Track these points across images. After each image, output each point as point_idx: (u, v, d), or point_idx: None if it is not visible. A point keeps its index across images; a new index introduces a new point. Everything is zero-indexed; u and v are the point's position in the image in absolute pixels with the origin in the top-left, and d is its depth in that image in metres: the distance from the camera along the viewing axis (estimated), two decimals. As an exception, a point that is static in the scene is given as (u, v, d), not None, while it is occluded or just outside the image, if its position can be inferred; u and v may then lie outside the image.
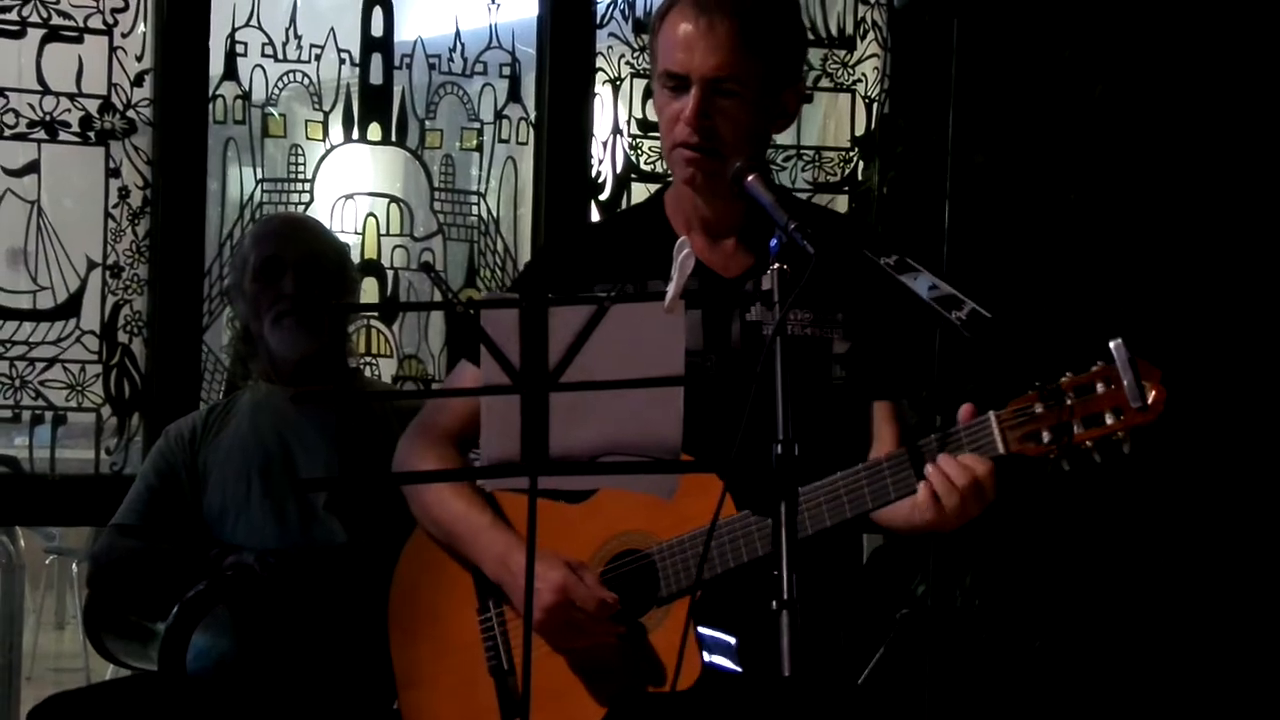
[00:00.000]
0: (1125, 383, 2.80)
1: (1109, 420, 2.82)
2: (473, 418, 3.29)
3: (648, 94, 4.90)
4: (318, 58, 4.79)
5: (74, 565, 8.45)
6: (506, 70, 4.98)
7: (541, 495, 3.04)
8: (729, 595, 3.04)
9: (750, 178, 2.93)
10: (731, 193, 3.01)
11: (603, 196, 4.98)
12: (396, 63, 4.87)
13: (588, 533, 3.12)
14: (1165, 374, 2.82)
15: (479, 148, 4.98)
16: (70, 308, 4.58)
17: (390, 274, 4.89)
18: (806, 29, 3.36)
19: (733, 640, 3.05)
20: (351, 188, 4.88)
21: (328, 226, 4.71)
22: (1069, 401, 2.84)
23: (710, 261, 3.14)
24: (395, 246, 4.90)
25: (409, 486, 3.34)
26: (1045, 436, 2.85)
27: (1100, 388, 2.83)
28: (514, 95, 4.99)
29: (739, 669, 3.04)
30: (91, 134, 4.57)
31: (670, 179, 3.24)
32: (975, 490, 2.88)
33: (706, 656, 3.04)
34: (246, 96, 4.74)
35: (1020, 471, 2.91)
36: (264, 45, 4.74)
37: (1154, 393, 2.80)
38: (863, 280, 3.08)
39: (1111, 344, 2.81)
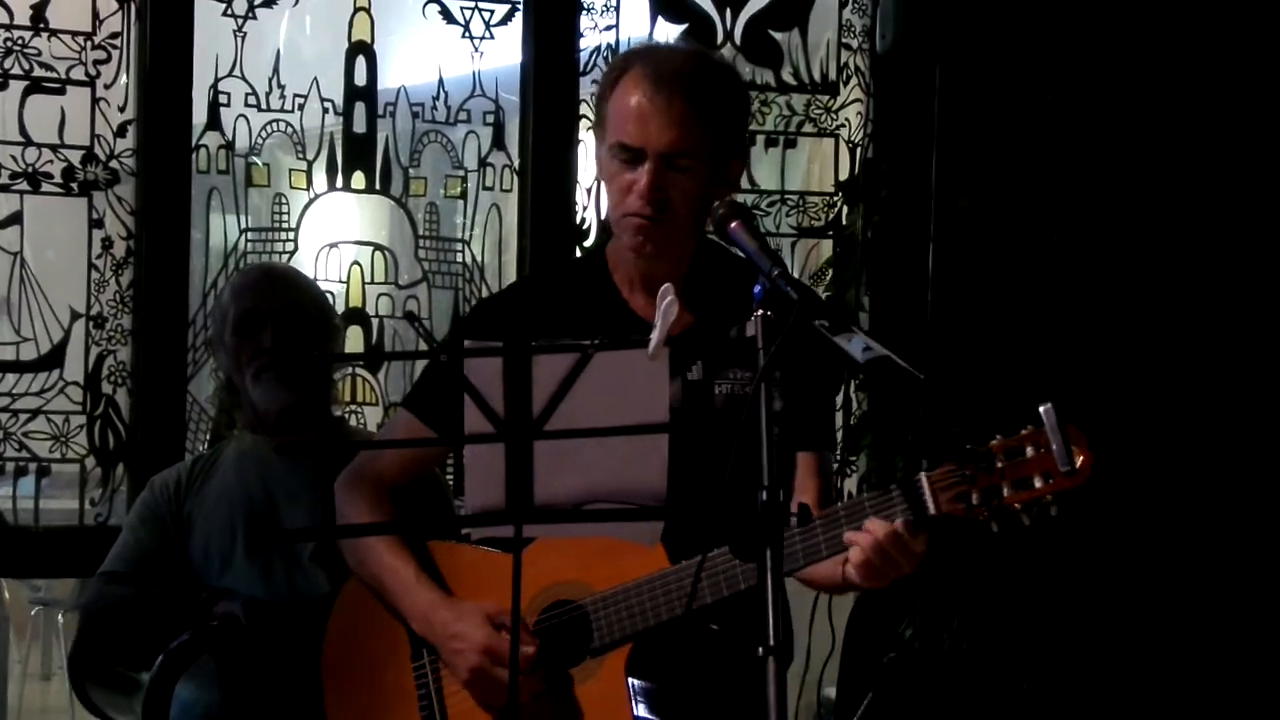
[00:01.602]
0: (1054, 447, 2.82)
1: (1038, 484, 2.85)
2: (408, 466, 3.35)
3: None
4: (301, 107, 4.79)
5: (60, 616, 8.41)
6: (490, 118, 4.98)
7: (478, 544, 3.07)
8: (660, 647, 3.05)
9: (734, 224, 2.93)
10: (696, 239, 3.02)
11: (587, 243, 4.98)
12: (380, 111, 4.87)
13: (522, 582, 3.11)
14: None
15: (463, 195, 4.98)
16: (54, 359, 4.57)
17: (375, 322, 4.88)
18: (749, 99, 3.39)
19: (649, 686, 3.07)
20: (336, 236, 4.87)
21: (311, 275, 4.71)
22: (999, 464, 2.86)
23: (652, 318, 3.14)
24: (380, 294, 4.90)
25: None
26: (975, 498, 2.87)
27: (1030, 451, 2.85)
28: (498, 143, 4.99)
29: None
30: (74, 185, 4.57)
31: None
32: (907, 555, 2.89)
33: (637, 709, 3.05)
34: (230, 146, 4.73)
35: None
36: (247, 95, 4.74)
37: (1082, 458, 2.83)
38: (795, 338, 3.08)
39: (1041, 409, 2.83)
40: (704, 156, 3.10)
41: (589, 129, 5.00)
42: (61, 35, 4.56)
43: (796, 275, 4.86)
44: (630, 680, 3.07)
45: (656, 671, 3.08)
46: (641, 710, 3.07)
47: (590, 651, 3.09)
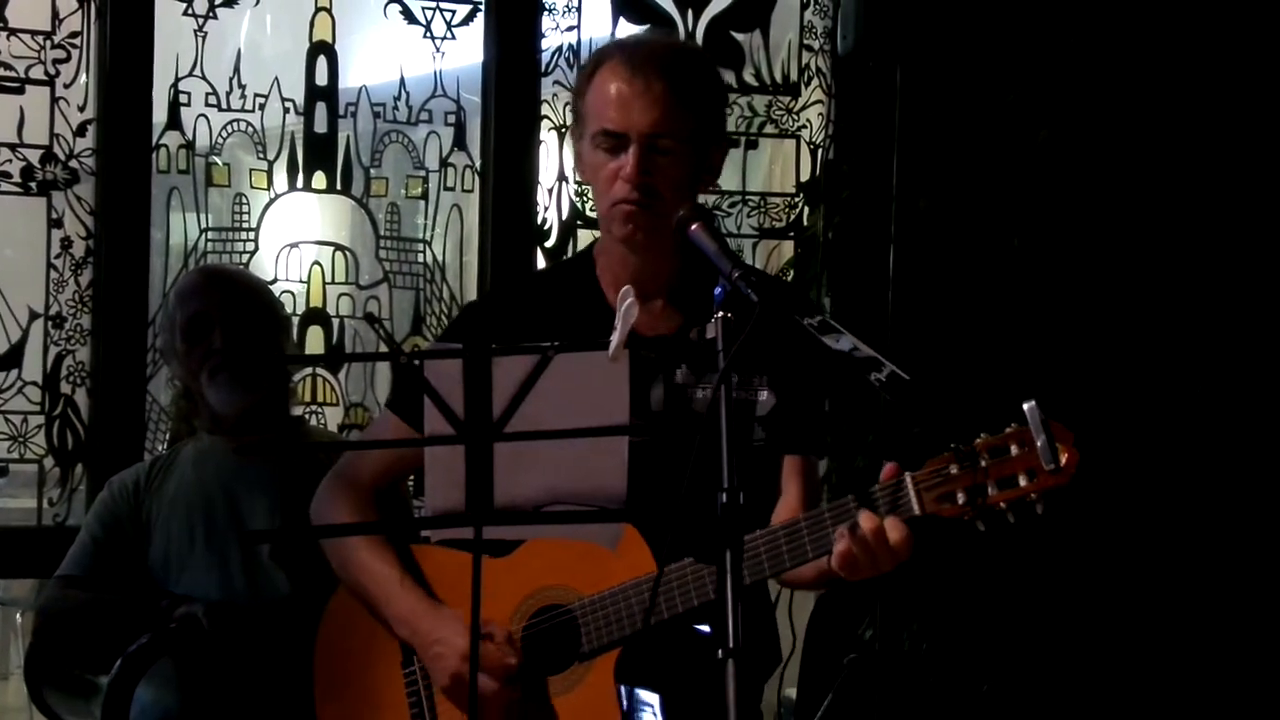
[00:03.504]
0: (1039, 445, 2.82)
1: (1023, 482, 2.85)
2: (391, 468, 3.33)
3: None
4: (261, 106, 4.78)
5: (18, 616, 8.37)
6: (451, 118, 4.97)
7: (465, 549, 3.06)
8: (651, 652, 3.05)
9: (694, 226, 2.94)
10: (675, 240, 3.01)
11: (548, 243, 4.98)
12: (341, 111, 4.86)
13: (510, 587, 3.12)
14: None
15: (424, 195, 4.98)
16: (12, 358, 4.56)
17: (336, 322, 4.87)
18: (725, 89, 3.40)
19: (656, 699, 3.06)
20: (296, 236, 4.86)
21: (271, 275, 4.72)
22: (983, 463, 2.86)
23: (637, 322, 3.13)
24: (341, 295, 4.89)
25: (326, 540, 3.35)
26: (960, 498, 2.87)
27: (1014, 449, 2.85)
28: (459, 143, 4.98)
29: None
30: (33, 184, 4.55)
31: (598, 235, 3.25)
32: (890, 554, 2.89)
33: (642, 717, 3.06)
34: (190, 145, 4.72)
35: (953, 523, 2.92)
36: (207, 94, 4.73)
37: (1066, 455, 2.83)
38: (785, 340, 3.08)
39: (1025, 406, 2.83)
40: (686, 139, 3.10)
41: (550, 129, 5.01)
42: (21, 34, 4.54)
43: (778, 276, 4.88)
44: (631, 690, 3.06)
45: (649, 678, 3.08)
46: (647, 717, 3.07)
47: (579, 656, 3.09)
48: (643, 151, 3.06)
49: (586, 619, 3.08)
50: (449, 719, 3.18)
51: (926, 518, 2.88)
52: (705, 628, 3.05)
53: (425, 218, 4.99)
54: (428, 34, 4.95)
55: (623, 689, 3.06)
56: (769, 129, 5.23)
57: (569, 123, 4.99)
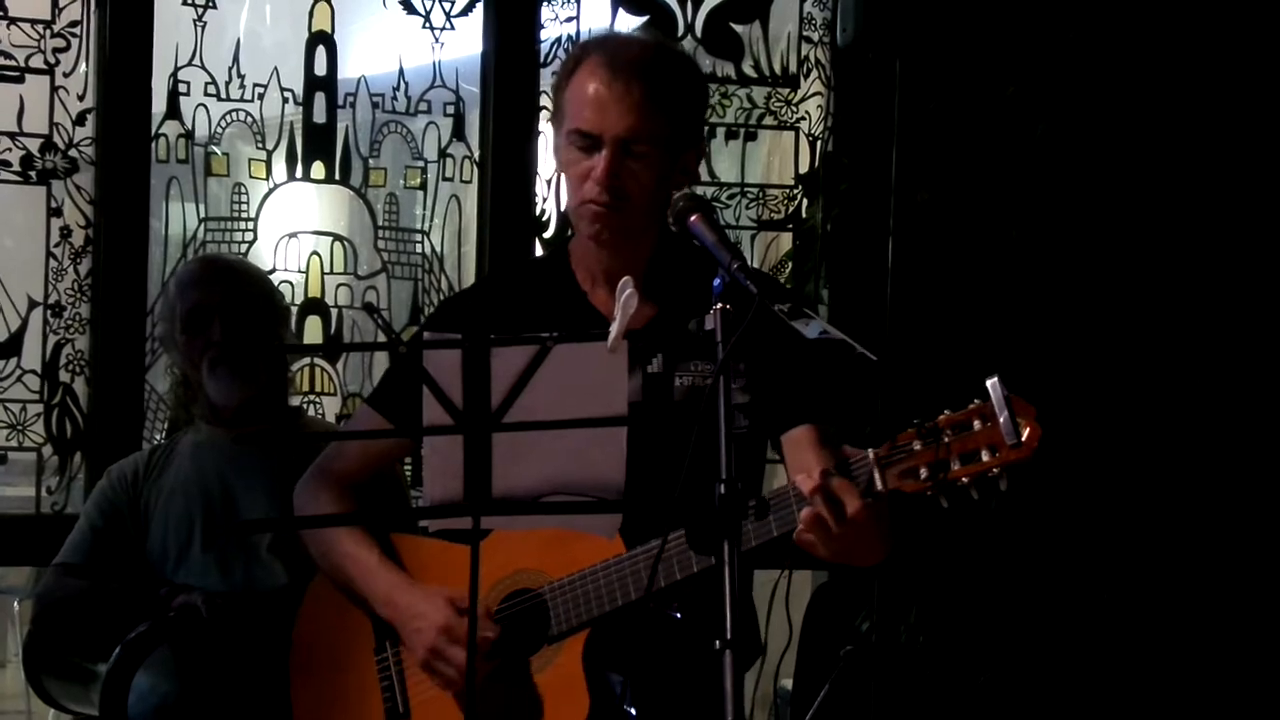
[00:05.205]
0: (1001, 420, 2.81)
1: (985, 457, 2.83)
2: (369, 464, 3.37)
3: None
4: (261, 96, 4.79)
5: (15, 604, 8.38)
6: (450, 109, 4.98)
7: (435, 537, 3.08)
8: (619, 634, 3.06)
9: (693, 217, 2.93)
10: (672, 229, 3.02)
11: (547, 234, 4.98)
12: (340, 101, 4.86)
13: (482, 572, 3.12)
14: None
15: (423, 186, 4.98)
16: (11, 347, 4.56)
17: (334, 313, 4.87)
18: (707, 90, 3.40)
19: (620, 680, 3.08)
20: (295, 226, 4.87)
21: (270, 265, 4.72)
22: (946, 439, 2.85)
23: (613, 314, 3.13)
24: (339, 285, 4.89)
25: (308, 531, 3.37)
26: (922, 473, 2.86)
27: (977, 425, 2.84)
28: (458, 133, 4.98)
29: (631, 709, 3.07)
30: (33, 173, 4.55)
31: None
32: (850, 523, 2.82)
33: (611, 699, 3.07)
34: (189, 135, 4.72)
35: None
36: (207, 84, 4.74)
37: (1028, 430, 2.82)
38: (760, 327, 3.08)
39: (988, 382, 2.83)
40: (661, 144, 3.11)
41: (550, 120, 5.00)
42: (21, 23, 4.55)
43: (756, 268, 4.87)
44: (598, 671, 3.08)
45: (622, 661, 3.09)
46: (614, 701, 3.08)
47: (548, 639, 3.10)
48: (615, 155, 3.07)
49: (555, 601, 3.10)
50: (421, 701, 3.20)
51: (890, 494, 2.87)
52: (675, 612, 3.07)
53: (424, 208, 4.99)
54: (427, 24, 4.95)
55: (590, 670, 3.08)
56: (768, 121, 5.23)
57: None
